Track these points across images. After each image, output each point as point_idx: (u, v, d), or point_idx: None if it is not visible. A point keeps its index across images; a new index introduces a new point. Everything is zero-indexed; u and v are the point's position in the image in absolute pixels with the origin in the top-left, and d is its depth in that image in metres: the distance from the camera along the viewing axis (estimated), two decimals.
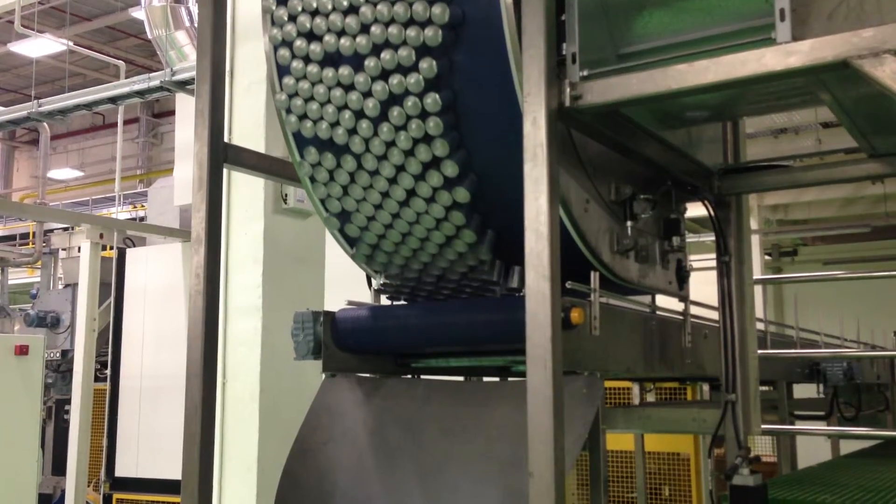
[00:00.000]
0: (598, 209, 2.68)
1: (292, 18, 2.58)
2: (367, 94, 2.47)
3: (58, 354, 10.30)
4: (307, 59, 2.56)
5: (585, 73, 2.31)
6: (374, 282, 2.96)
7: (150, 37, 9.61)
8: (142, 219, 12.82)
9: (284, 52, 2.60)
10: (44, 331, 10.28)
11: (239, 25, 4.95)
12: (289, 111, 2.63)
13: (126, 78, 9.51)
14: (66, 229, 11.03)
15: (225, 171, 2.85)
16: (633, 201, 2.78)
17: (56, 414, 10.44)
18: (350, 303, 2.99)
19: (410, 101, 2.42)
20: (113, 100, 8.73)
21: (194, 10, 9.55)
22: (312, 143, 2.65)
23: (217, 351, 2.74)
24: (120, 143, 10.17)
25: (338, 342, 2.90)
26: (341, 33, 2.49)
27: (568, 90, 2.27)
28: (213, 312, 2.71)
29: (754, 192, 3.54)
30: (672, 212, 3.07)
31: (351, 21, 2.45)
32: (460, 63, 2.45)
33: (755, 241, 10.53)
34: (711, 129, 3.29)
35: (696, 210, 3.32)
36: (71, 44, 11.20)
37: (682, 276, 3.16)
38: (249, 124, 4.86)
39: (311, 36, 2.56)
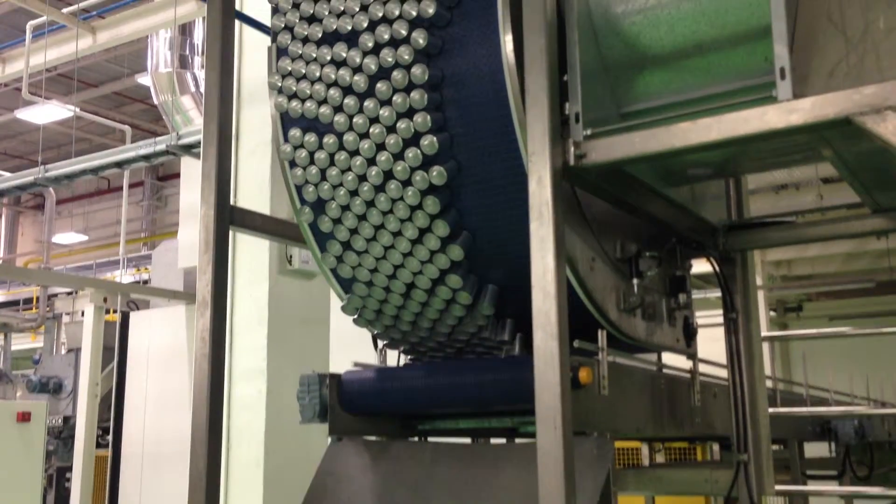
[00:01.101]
0: (603, 267, 2.67)
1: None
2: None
3: (59, 421, 10.21)
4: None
5: (589, 132, 2.33)
6: (379, 342, 2.94)
7: (155, 102, 9.76)
8: (146, 282, 12.83)
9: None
10: (46, 397, 10.22)
11: (244, 89, 5.02)
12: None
13: (131, 142, 9.62)
14: (69, 293, 11.05)
15: (230, 232, 2.85)
16: (638, 259, 2.78)
17: (57, 482, 10.31)
18: (356, 364, 2.96)
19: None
20: (119, 164, 8.83)
21: (200, 75, 9.70)
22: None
23: (222, 416, 2.71)
24: (125, 207, 10.24)
25: (344, 405, 2.87)
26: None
27: (572, 149, 2.29)
28: (218, 377, 2.69)
29: (759, 249, 3.54)
30: (678, 269, 3.07)
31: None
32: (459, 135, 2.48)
33: (760, 296, 10.49)
34: (715, 185, 3.31)
35: (700, 266, 3.32)
36: (77, 110, 11.34)
37: (690, 333, 3.14)
38: (254, 186, 4.89)
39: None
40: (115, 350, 8.72)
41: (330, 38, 2.56)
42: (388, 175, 2.48)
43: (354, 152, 2.52)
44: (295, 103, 2.62)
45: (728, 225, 3.24)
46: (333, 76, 2.53)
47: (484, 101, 2.45)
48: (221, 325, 2.73)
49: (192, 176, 8.36)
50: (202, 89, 9.80)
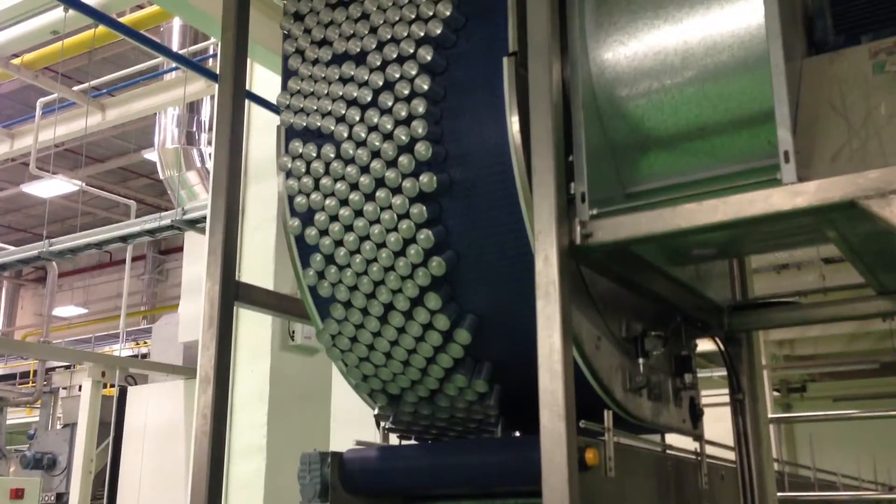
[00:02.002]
0: (609, 346, 2.66)
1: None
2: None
3: (53, 498, 10.02)
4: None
5: (595, 211, 2.35)
6: (382, 421, 2.91)
7: (161, 177, 9.88)
8: (144, 356, 12.74)
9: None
10: (40, 473, 10.04)
11: (251, 166, 5.08)
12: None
13: (136, 216, 9.68)
14: (67, 367, 10.96)
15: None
16: (644, 338, 2.77)
17: None
18: (358, 443, 2.92)
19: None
20: (124, 238, 8.88)
21: (206, 150, 9.84)
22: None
23: (221, 496, 2.66)
24: (127, 280, 10.25)
25: (346, 484, 2.82)
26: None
27: (578, 228, 2.30)
28: (219, 454, 2.65)
29: (764, 329, 3.53)
30: (683, 348, 3.05)
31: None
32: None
33: (763, 377, 10.39)
34: (719, 264, 3.32)
35: (703, 345, 3.30)
36: (83, 185, 11.46)
37: (696, 414, 3.11)
38: (258, 261, 4.91)
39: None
40: (112, 425, 8.61)
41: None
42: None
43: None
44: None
45: (733, 305, 3.24)
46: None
47: (490, 186, 2.48)
48: (224, 401, 2.71)
49: (196, 250, 8.40)
50: (208, 165, 9.94)
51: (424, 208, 2.45)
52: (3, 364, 20.81)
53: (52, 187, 13.38)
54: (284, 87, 2.76)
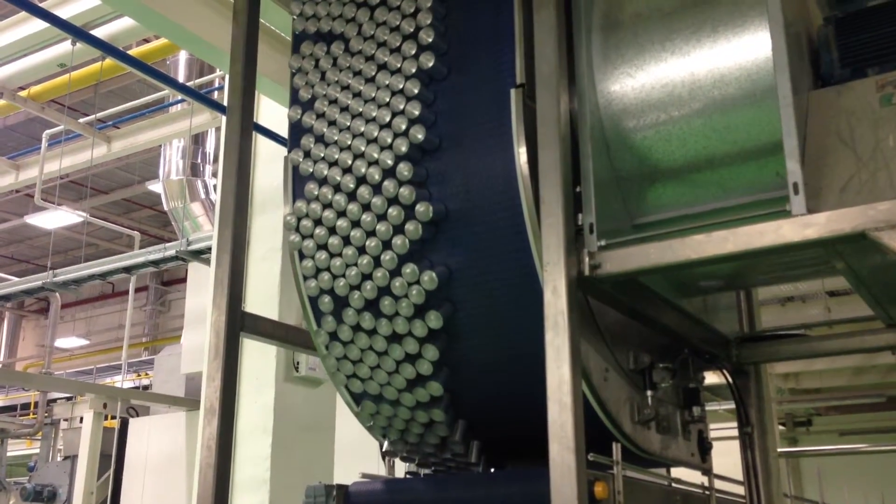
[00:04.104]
0: (617, 378, 2.64)
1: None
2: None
3: None
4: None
5: (603, 242, 2.34)
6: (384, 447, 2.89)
7: (166, 208, 9.89)
8: (146, 387, 12.69)
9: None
10: None
11: (256, 197, 5.09)
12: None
13: (139, 248, 9.69)
14: (68, 399, 10.90)
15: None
16: (652, 370, 2.75)
17: None
18: (363, 475, 2.89)
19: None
20: (128, 269, 8.88)
21: (210, 182, 9.87)
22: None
23: None
24: (130, 311, 10.24)
25: None
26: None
27: (587, 259, 2.30)
28: (223, 487, 2.62)
29: (772, 362, 3.51)
30: (691, 381, 3.03)
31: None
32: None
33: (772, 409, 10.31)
34: (726, 296, 3.31)
35: (709, 378, 3.27)
36: (87, 216, 11.49)
37: (705, 447, 3.08)
38: (264, 291, 4.90)
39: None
40: (113, 457, 8.55)
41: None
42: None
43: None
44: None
45: (741, 337, 3.23)
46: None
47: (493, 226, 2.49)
48: (229, 433, 2.69)
49: (199, 281, 8.39)
50: (212, 196, 9.97)
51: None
52: (3, 395, 20.71)
53: (57, 218, 13.42)
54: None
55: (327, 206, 2.65)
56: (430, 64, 2.57)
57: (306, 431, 4.92)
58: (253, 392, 4.79)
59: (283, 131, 2.94)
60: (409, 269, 2.50)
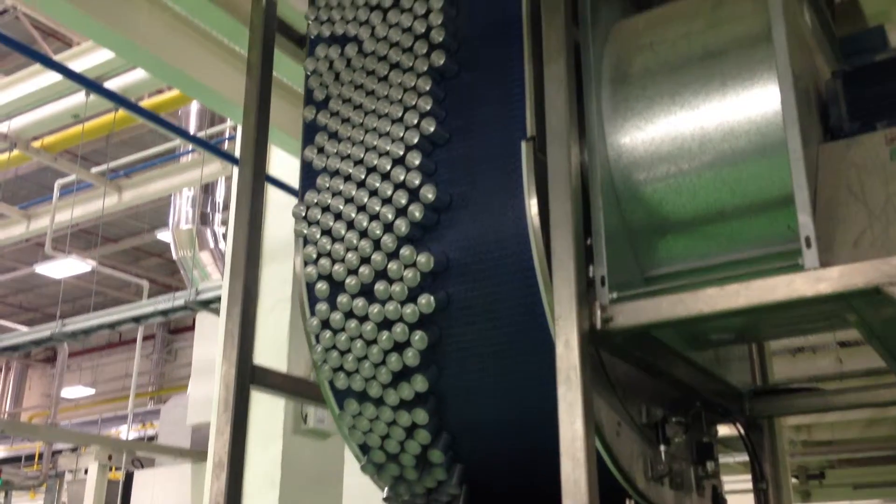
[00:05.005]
0: (629, 433, 2.61)
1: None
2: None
3: None
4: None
5: (615, 295, 2.34)
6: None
7: (174, 257, 9.94)
8: (151, 438, 12.60)
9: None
10: None
11: (266, 247, 5.11)
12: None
13: (148, 296, 9.70)
14: (73, 450, 10.83)
15: None
16: (664, 424, 2.72)
17: None
18: None
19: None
20: (137, 319, 8.88)
21: (219, 231, 9.92)
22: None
23: None
24: (137, 361, 10.22)
25: None
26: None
27: (599, 313, 2.29)
28: None
29: (786, 415, 3.48)
30: (704, 435, 2.99)
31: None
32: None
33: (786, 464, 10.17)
34: (738, 346, 3.29)
35: (721, 429, 3.24)
36: (96, 265, 11.53)
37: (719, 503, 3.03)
38: (273, 342, 4.89)
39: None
40: None
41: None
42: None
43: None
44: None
45: (753, 390, 3.19)
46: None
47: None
48: (238, 488, 2.66)
49: (207, 330, 8.38)
50: (221, 246, 10.01)
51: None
52: (7, 446, 20.58)
53: (66, 267, 13.46)
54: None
55: (336, 194, 2.71)
56: (441, 61, 2.64)
57: (314, 484, 4.86)
58: (261, 444, 4.74)
59: (294, 182, 2.96)
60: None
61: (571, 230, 2.27)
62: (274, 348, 4.90)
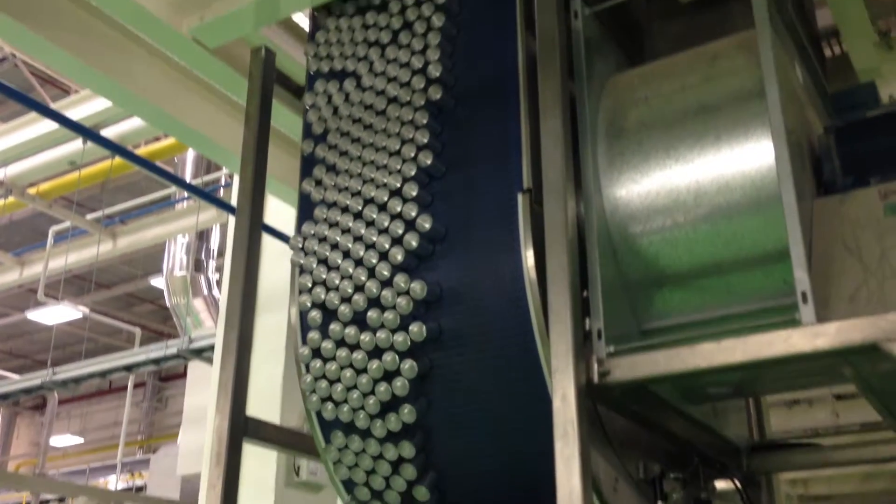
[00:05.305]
0: (627, 488, 2.58)
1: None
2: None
3: None
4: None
5: (612, 348, 2.33)
6: None
7: (168, 304, 9.90)
8: (140, 489, 12.41)
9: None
10: None
11: (261, 296, 5.08)
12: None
13: (139, 343, 9.64)
14: (61, 501, 10.66)
15: None
16: (662, 480, 2.69)
17: None
18: None
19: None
20: (128, 367, 8.81)
21: (213, 277, 9.89)
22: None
23: None
24: (127, 410, 10.11)
25: None
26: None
27: (595, 366, 2.28)
28: None
29: (785, 471, 3.45)
30: (702, 491, 2.96)
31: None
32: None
33: None
34: (735, 400, 3.27)
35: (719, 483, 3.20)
36: (88, 311, 11.47)
37: None
38: (266, 393, 4.84)
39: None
40: None
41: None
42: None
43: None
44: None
45: (751, 445, 3.17)
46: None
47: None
48: None
49: (199, 379, 8.31)
50: (215, 292, 9.98)
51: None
52: None
53: (58, 314, 13.38)
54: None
55: (333, 225, 2.74)
56: (439, 95, 2.67)
57: None
58: (252, 497, 4.67)
59: (290, 230, 2.96)
60: (392, 356, 2.52)
61: (568, 283, 2.27)
62: (267, 399, 4.85)
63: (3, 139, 7.48)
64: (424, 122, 2.68)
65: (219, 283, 9.81)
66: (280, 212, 5.30)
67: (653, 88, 2.71)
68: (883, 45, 4.01)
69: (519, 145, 2.57)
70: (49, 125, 7.14)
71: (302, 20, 3.68)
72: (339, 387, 2.60)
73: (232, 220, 6.07)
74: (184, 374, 10.47)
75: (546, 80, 2.51)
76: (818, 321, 2.04)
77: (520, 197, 2.51)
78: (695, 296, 2.54)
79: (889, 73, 3.92)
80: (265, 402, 4.81)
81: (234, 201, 5.42)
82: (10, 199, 8.62)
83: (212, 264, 10.12)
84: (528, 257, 2.44)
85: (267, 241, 5.25)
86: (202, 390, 7.93)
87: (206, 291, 9.84)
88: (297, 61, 3.62)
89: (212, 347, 7.78)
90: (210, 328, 8.78)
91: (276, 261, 5.15)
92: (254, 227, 2.96)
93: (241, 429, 2.73)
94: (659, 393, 2.63)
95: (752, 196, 2.42)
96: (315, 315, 2.69)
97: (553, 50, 2.52)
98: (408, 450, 2.50)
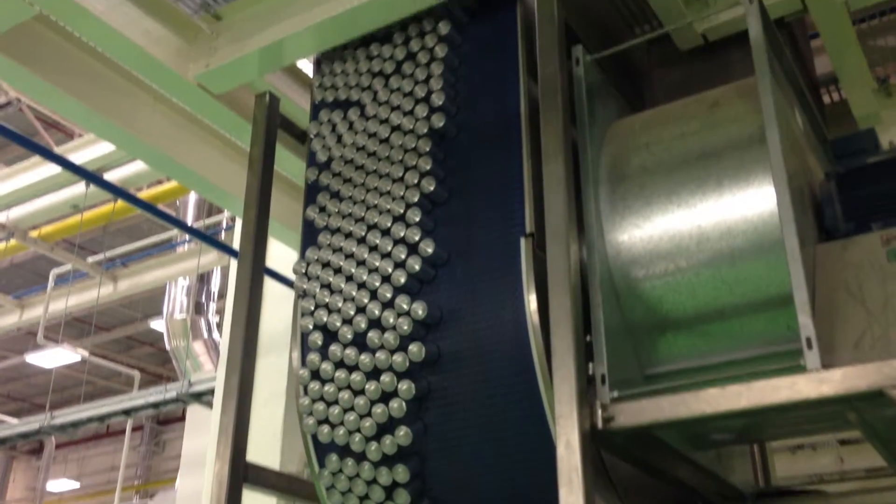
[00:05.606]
0: None
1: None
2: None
3: None
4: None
5: (615, 394, 2.31)
6: None
7: (167, 347, 9.85)
8: None
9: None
10: None
11: (262, 340, 5.06)
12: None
13: (138, 386, 9.58)
14: None
15: None
16: None
17: None
18: None
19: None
20: (127, 412, 8.74)
21: (213, 320, 9.86)
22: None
23: None
24: (125, 454, 10.02)
25: None
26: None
27: (599, 412, 2.26)
28: None
29: None
30: None
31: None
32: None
33: None
34: (740, 446, 3.24)
35: None
36: (87, 354, 11.42)
37: None
38: (266, 438, 4.80)
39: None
40: None
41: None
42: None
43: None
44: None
45: (756, 492, 3.13)
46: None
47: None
48: None
49: (198, 423, 8.24)
50: (215, 335, 9.94)
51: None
52: None
53: (57, 357, 13.33)
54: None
55: (337, 250, 2.78)
56: (441, 123, 2.72)
57: None
58: None
59: (291, 274, 2.97)
60: (390, 377, 2.53)
61: (571, 327, 2.27)
62: (267, 443, 4.81)
63: (7, 183, 7.52)
64: (427, 149, 2.72)
65: (219, 325, 9.78)
66: (282, 255, 5.30)
67: (654, 134, 2.73)
68: (882, 92, 4.05)
69: (521, 185, 2.59)
70: (52, 169, 7.18)
71: (306, 66, 3.73)
72: (336, 409, 2.61)
73: (233, 262, 6.08)
74: (182, 418, 10.40)
75: (548, 126, 2.53)
76: (823, 367, 2.02)
77: (522, 241, 2.51)
78: (698, 341, 2.53)
79: (888, 119, 3.96)
80: (265, 447, 4.76)
81: (236, 244, 5.42)
82: (13, 241, 8.64)
83: (212, 307, 10.09)
84: (531, 301, 2.44)
85: (268, 284, 5.24)
86: (201, 434, 7.87)
87: (206, 334, 9.81)
88: (300, 107, 3.65)
89: (211, 391, 7.73)
90: (210, 371, 8.73)
91: (277, 304, 5.13)
92: (256, 271, 2.96)
93: (241, 475, 2.70)
94: (663, 439, 2.61)
95: (754, 241, 2.43)
96: (316, 337, 2.72)
97: (555, 96, 2.55)
98: (402, 474, 2.49)
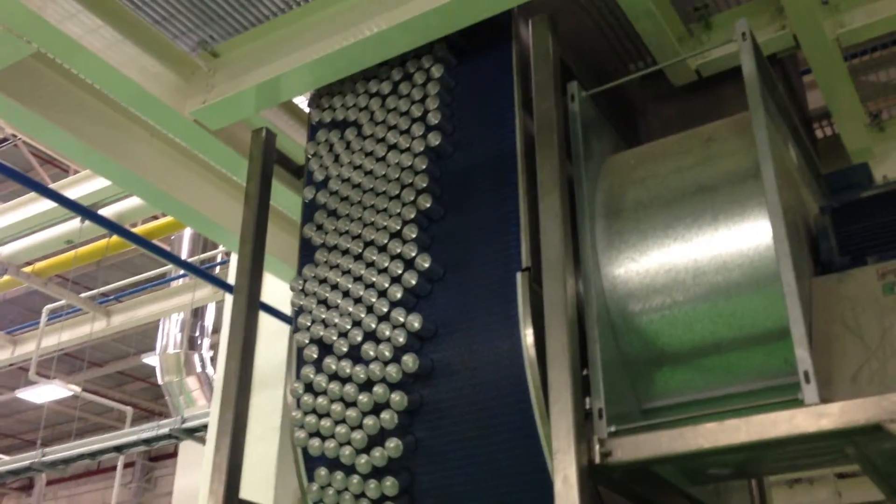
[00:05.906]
0: None
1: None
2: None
3: None
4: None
5: (613, 428, 2.30)
6: None
7: (160, 382, 9.78)
8: None
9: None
10: None
11: (256, 374, 5.03)
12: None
13: (130, 422, 9.49)
14: None
15: None
16: None
17: None
18: None
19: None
20: (119, 448, 8.65)
21: (207, 355, 9.81)
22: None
23: None
24: (116, 492, 9.91)
25: None
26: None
27: (597, 447, 2.25)
28: None
29: None
30: None
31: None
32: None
33: None
34: (738, 480, 3.21)
35: None
36: (80, 390, 11.33)
37: None
38: (260, 473, 4.75)
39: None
40: None
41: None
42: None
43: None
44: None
45: None
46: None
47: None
48: None
49: (190, 459, 8.17)
50: (209, 370, 9.89)
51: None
52: None
53: (48, 393, 13.21)
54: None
55: (334, 267, 2.80)
56: (437, 142, 2.75)
57: None
58: None
59: (287, 308, 2.96)
60: (383, 388, 2.53)
61: (568, 362, 2.26)
62: (260, 479, 4.76)
63: (1, 218, 7.51)
64: (424, 167, 2.73)
65: (213, 360, 9.73)
66: (277, 290, 5.29)
67: (649, 169, 2.74)
68: (874, 127, 4.09)
69: (517, 221, 2.59)
70: (47, 204, 7.17)
71: (301, 102, 3.75)
72: (327, 421, 2.61)
73: (228, 297, 6.06)
74: (174, 454, 10.30)
75: (544, 161, 2.55)
76: (821, 401, 2.02)
77: (518, 276, 2.51)
78: (696, 375, 2.53)
79: (881, 153, 3.99)
80: (259, 483, 4.71)
81: (230, 279, 5.41)
82: (6, 277, 8.60)
83: (206, 342, 10.05)
84: (528, 335, 2.44)
85: (263, 319, 5.22)
86: (193, 470, 7.79)
87: (199, 369, 9.75)
88: (296, 142, 3.67)
89: (204, 427, 7.66)
90: (203, 407, 8.67)
91: (272, 340, 5.11)
92: (251, 306, 2.96)
93: None
94: (661, 473, 2.59)
95: (750, 275, 2.43)
96: (311, 351, 2.72)
97: (551, 131, 2.57)
98: (391, 487, 2.47)
